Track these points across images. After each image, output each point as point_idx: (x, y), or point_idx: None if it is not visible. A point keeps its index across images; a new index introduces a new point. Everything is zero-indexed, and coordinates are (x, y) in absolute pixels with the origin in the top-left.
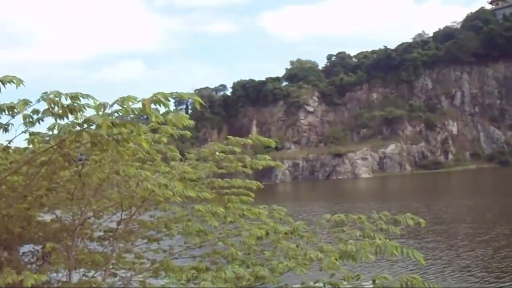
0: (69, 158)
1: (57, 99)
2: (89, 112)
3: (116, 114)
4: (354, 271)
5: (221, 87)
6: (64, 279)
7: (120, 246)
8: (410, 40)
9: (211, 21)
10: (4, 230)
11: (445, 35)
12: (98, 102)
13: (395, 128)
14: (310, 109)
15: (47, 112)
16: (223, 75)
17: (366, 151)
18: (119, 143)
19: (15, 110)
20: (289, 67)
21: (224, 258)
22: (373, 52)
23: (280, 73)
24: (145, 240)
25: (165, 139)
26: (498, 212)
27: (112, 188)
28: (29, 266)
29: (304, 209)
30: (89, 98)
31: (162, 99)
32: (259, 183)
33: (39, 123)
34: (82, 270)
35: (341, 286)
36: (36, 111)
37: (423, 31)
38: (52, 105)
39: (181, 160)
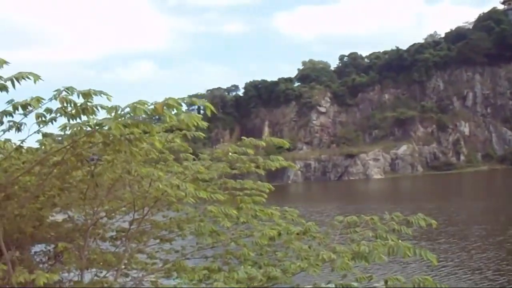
0: (82, 158)
1: (70, 97)
2: (102, 114)
3: (128, 115)
4: (366, 272)
5: (233, 88)
6: (76, 278)
7: (132, 246)
8: (422, 41)
9: (224, 21)
10: (16, 230)
11: (457, 35)
12: (111, 98)
13: (407, 129)
14: (322, 109)
15: (60, 111)
16: (235, 76)
17: (378, 152)
18: (131, 143)
19: (29, 108)
20: (301, 67)
21: (236, 258)
22: (385, 52)
23: (292, 73)
24: (157, 240)
25: (178, 140)
26: (511, 214)
27: (124, 188)
28: (41, 266)
29: (316, 210)
30: (102, 95)
31: (174, 104)
32: (270, 185)
33: (52, 123)
34: (94, 270)
35: (353, 287)
36: (49, 110)
37: (435, 31)
38: (65, 104)
39: (194, 161)
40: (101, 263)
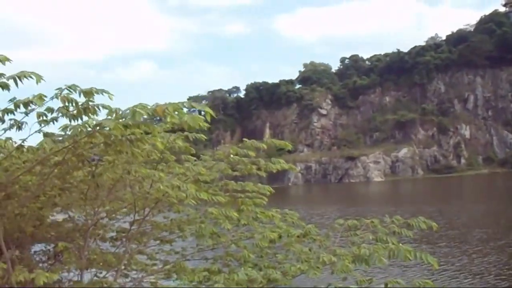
0: (83, 158)
1: (71, 96)
2: (104, 113)
3: (129, 117)
4: (367, 275)
5: (235, 89)
6: (75, 278)
7: (132, 247)
8: (423, 43)
9: (225, 22)
10: (17, 229)
11: (458, 38)
12: (112, 97)
13: (408, 131)
14: (323, 112)
15: (62, 111)
16: (237, 77)
17: (379, 154)
18: (132, 143)
19: (30, 106)
20: (302, 69)
21: (236, 260)
22: (386, 55)
23: (294, 75)
24: (158, 241)
25: (180, 142)
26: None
27: (125, 189)
28: (40, 265)
29: (317, 212)
30: (103, 94)
31: (175, 109)
32: (270, 188)
33: (53, 123)
34: (93, 270)
35: None
36: (50, 109)
37: (436, 34)
38: (67, 103)
39: (195, 162)
40: (101, 264)
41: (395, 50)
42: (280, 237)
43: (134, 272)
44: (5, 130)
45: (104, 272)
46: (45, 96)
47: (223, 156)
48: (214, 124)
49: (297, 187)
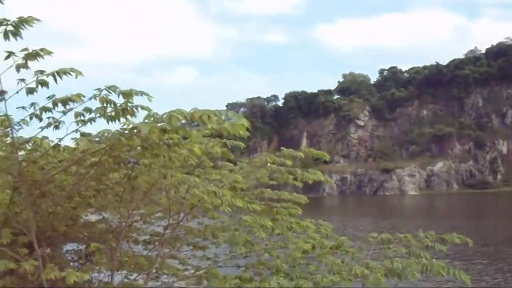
0: (120, 160)
1: (110, 97)
2: (143, 115)
3: (166, 121)
4: None
5: (273, 98)
6: (105, 279)
7: (165, 251)
8: (462, 56)
9: (265, 31)
10: (49, 227)
11: (498, 51)
12: (152, 99)
13: (444, 145)
14: (361, 123)
15: (100, 111)
16: (275, 86)
17: (414, 168)
18: (170, 148)
19: (69, 105)
20: (341, 80)
21: (268, 269)
22: (424, 67)
23: (332, 85)
24: (190, 247)
25: (218, 148)
26: None
27: (161, 193)
28: (71, 264)
29: (351, 224)
30: (142, 95)
31: (212, 115)
32: (306, 198)
33: (91, 123)
34: (124, 272)
35: None
36: (88, 109)
37: (475, 47)
38: (105, 104)
39: (231, 170)
40: (132, 266)
41: (434, 63)
42: (313, 248)
43: (165, 276)
44: (42, 128)
45: (134, 275)
46: (84, 96)
47: (260, 164)
48: (252, 132)
49: (331, 198)
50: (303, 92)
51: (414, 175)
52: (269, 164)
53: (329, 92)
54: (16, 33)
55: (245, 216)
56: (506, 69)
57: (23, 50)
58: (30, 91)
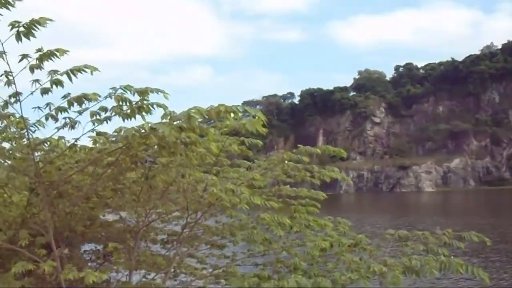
0: (137, 159)
1: (125, 95)
2: (158, 113)
3: (183, 119)
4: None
5: (289, 95)
6: (124, 279)
7: (183, 250)
8: (478, 52)
9: (280, 29)
10: (67, 228)
11: None
12: (168, 96)
13: (460, 142)
14: (377, 120)
15: (115, 110)
16: (291, 83)
17: (431, 164)
18: (187, 146)
19: (84, 104)
20: (356, 76)
21: (286, 267)
22: (440, 63)
23: (348, 82)
24: (208, 245)
25: (235, 146)
26: None
27: (178, 192)
28: (89, 264)
29: (368, 221)
30: (158, 93)
31: (230, 111)
32: (323, 194)
33: (107, 122)
34: (142, 271)
35: None
36: (104, 109)
37: (491, 42)
38: (121, 103)
39: (249, 167)
40: (151, 265)
41: (449, 59)
42: (331, 246)
43: (183, 275)
44: (58, 128)
45: (152, 274)
46: (99, 95)
47: (277, 162)
48: (268, 130)
49: (348, 195)
50: (319, 89)
51: (431, 172)
52: (286, 162)
53: (345, 89)
54: (28, 34)
55: (263, 214)
56: None
57: (37, 50)
58: (45, 91)
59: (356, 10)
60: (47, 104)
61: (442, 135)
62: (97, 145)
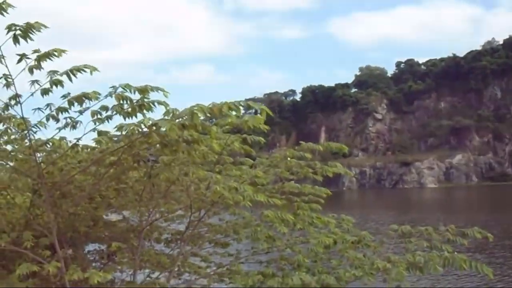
0: (139, 158)
1: (126, 93)
2: (159, 111)
3: (186, 117)
4: (419, 283)
5: (291, 92)
6: (128, 279)
7: (186, 249)
8: (480, 48)
9: (281, 26)
10: (70, 228)
11: None
12: (168, 94)
13: (463, 138)
14: (379, 116)
15: (116, 109)
16: (292, 81)
17: (433, 160)
18: (189, 144)
19: (85, 103)
20: (358, 73)
21: (290, 264)
22: (441, 59)
23: (349, 79)
24: (212, 244)
25: (237, 144)
26: None
27: (181, 190)
28: (94, 265)
29: (372, 218)
30: (158, 91)
31: (233, 107)
32: (327, 190)
33: (108, 121)
34: (147, 270)
35: None
36: (105, 108)
37: (493, 38)
38: (121, 101)
39: (252, 166)
40: (155, 265)
41: (451, 55)
42: (335, 242)
43: (187, 274)
44: (59, 129)
45: (157, 273)
46: (99, 94)
47: (280, 159)
48: (270, 127)
49: (351, 192)
50: (321, 86)
51: (433, 168)
52: (289, 159)
53: (346, 86)
54: (26, 37)
55: (267, 211)
56: None
57: (34, 51)
58: (45, 91)
59: (357, 7)
60: (48, 105)
61: (444, 131)
62: (100, 145)
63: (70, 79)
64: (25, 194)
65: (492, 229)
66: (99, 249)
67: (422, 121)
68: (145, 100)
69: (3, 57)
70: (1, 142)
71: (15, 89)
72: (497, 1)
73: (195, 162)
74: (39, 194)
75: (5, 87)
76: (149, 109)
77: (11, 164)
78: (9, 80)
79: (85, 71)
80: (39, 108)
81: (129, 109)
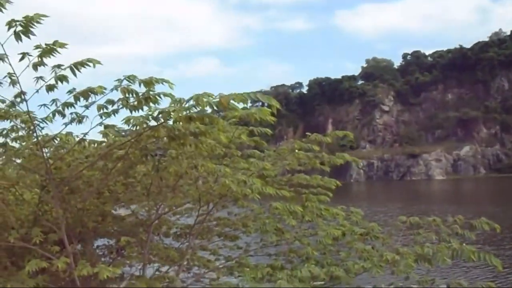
0: (146, 152)
1: (131, 86)
2: (165, 103)
3: (193, 109)
4: (427, 275)
5: (297, 85)
6: (137, 273)
7: (195, 243)
8: (487, 39)
9: (286, 19)
10: (79, 224)
11: None
12: (173, 86)
13: (470, 129)
14: (386, 108)
15: (122, 102)
16: (299, 73)
17: (441, 152)
18: (197, 137)
19: (91, 98)
20: (364, 65)
21: (299, 257)
22: (448, 51)
23: (356, 71)
24: (221, 237)
25: (244, 136)
26: None
27: (189, 184)
28: (103, 259)
29: (380, 210)
30: (164, 83)
31: (241, 98)
32: (336, 181)
33: (114, 115)
34: (156, 265)
35: None
36: (111, 102)
37: (500, 29)
38: (127, 95)
39: (261, 158)
40: (164, 259)
41: (458, 46)
42: (343, 235)
43: (196, 267)
44: (66, 124)
45: (166, 267)
46: (105, 88)
47: (287, 151)
48: (277, 120)
49: (359, 184)
50: (327, 79)
51: (441, 160)
52: (296, 151)
53: (353, 78)
54: (27, 33)
55: (275, 203)
56: None
57: (36, 47)
58: (50, 88)
59: None
60: (53, 101)
61: (451, 123)
62: (107, 138)
63: (75, 74)
64: (33, 191)
65: (500, 221)
66: (108, 244)
67: (429, 113)
68: (151, 92)
69: (7, 56)
70: (8, 140)
71: (20, 86)
72: None
73: (202, 155)
74: (47, 190)
75: (10, 85)
76: (155, 101)
77: (19, 161)
78: (13, 78)
79: (88, 65)
80: (44, 105)
81: (135, 102)
